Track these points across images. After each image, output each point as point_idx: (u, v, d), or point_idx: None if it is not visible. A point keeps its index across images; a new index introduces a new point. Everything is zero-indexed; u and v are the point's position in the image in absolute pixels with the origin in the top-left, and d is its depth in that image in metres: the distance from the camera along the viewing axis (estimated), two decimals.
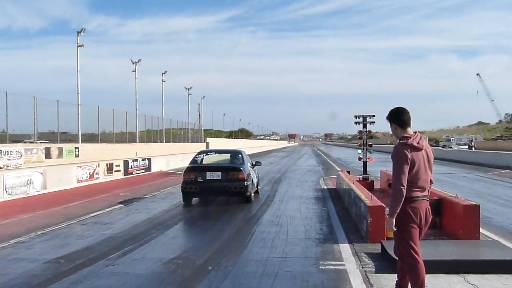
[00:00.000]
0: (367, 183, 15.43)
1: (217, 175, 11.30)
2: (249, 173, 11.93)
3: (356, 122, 16.37)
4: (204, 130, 66.50)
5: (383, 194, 13.37)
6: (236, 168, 11.50)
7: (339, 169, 21.31)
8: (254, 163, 13.37)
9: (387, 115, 4.62)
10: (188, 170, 11.56)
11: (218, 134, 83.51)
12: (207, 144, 51.91)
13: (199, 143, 49.66)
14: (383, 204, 7.53)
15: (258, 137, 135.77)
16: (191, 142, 47.31)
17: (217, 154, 13.24)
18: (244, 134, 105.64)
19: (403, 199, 4.29)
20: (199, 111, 67.26)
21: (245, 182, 11.37)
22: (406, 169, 4.33)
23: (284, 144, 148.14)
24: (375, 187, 15.76)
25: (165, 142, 38.97)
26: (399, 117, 4.54)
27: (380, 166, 24.63)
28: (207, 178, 11.26)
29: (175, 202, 13.23)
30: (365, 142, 16.41)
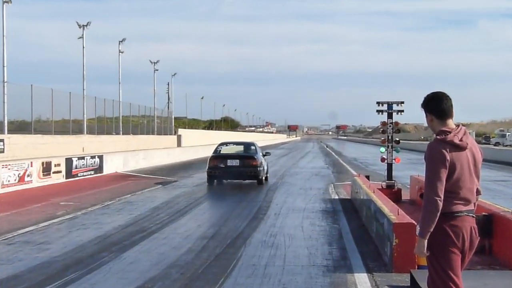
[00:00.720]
0: (392, 192, 15.65)
1: (236, 162, 19.31)
2: (261, 161, 20.04)
3: (378, 111, 16.54)
4: (176, 118, 66.32)
5: (413, 207, 13.52)
6: (251, 157, 19.56)
7: (355, 173, 21.54)
8: (264, 154, 21.40)
9: (421, 102, 4.61)
10: (213, 158, 19.77)
11: (194, 124, 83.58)
12: (179, 137, 52.02)
13: (167, 136, 49.84)
14: (413, 221, 7.57)
15: (247, 129, 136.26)
16: (157, 134, 47.41)
17: (234, 145, 21.41)
18: (228, 124, 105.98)
19: (438, 213, 4.26)
20: (168, 93, 67.35)
21: (258, 168, 19.38)
22: (444, 174, 4.31)
23: (281, 138, 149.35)
24: (403, 198, 16.04)
25: (123, 134, 39.05)
26: (436, 105, 4.51)
27: (410, 170, 24.81)
28: (228, 164, 19.31)
29: (135, 214, 13.34)
30: (390, 137, 16.55)
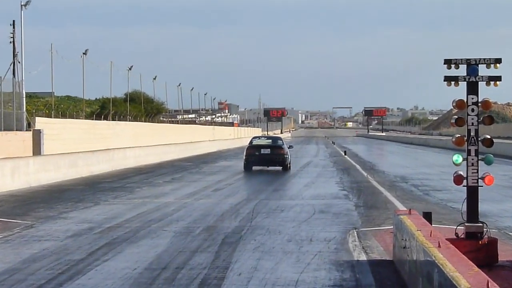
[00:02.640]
0: (478, 248, 15.69)
1: (267, 151, 55.32)
2: (287, 151, 56.29)
3: (449, 79, 16.54)
4: (30, 96, 65.05)
5: None
6: (279, 147, 56.13)
7: (401, 208, 21.41)
8: (288, 146, 59.03)
9: None
10: (249, 147, 56.63)
11: (68, 108, 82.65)
12: (37, 134, 51.52)
13: (13, 134, 49.11)
14: None
15: (180, 118, 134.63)
16: None
17: (265, 139, 64.19)
18: (141, 108, 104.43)
19: None
20: (14, 42, 66.38)
21: (285, 156, 55.17)
22: None
23: (250, 136, 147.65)
24: (500, 258, 15.98)
25: None
26: None
27: None
28: (261, 152, 55.32)
29: None
30: (474, 134, 16.55)
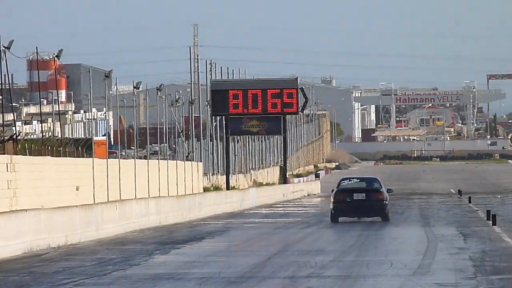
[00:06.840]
0: None
1: (362, 196, 56.39)
2: (387, 196, 56.71)
3: None
4: None
5: None
6: (377, 190, 57.11)
7: None
8: (387, 190, 57.61)
9: None
10: (338, 191, 56.91)
11: None
12: None
13: None
14: None
15: None
16: None
17: (357, 180, 60.02)
18: None
19: None
20: None
21: (384, 202, 55.92)
22: None
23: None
24: None
25: None
26: None
27: None
28: (354, 198, 56.14)
29: None
30: None
